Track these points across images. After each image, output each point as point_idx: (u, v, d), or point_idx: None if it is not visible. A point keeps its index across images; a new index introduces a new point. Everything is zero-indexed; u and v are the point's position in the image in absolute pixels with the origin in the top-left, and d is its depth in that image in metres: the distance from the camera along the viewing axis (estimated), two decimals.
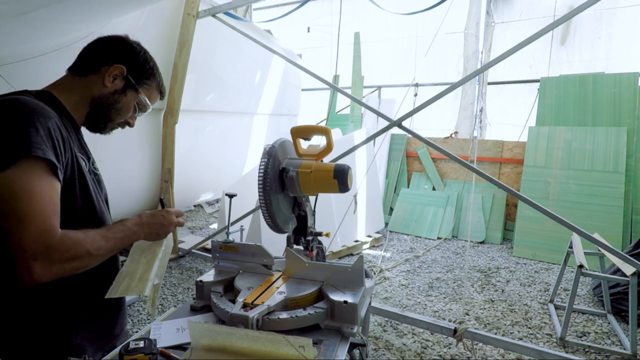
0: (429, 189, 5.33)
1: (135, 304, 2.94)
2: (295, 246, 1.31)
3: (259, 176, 1.14)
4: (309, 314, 0.99)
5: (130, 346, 0.83)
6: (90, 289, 1.04)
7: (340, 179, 1.15)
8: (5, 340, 0.95)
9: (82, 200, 1.00)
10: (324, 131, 1.25)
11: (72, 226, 0.92)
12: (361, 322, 1.04)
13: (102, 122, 1.11)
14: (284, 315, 0.98)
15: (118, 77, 1.06)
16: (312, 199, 1.35)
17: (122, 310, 1.18)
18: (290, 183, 1.19)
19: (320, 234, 1.32)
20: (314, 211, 1.36)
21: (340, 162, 1.45)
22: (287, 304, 1.03)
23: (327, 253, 1.73)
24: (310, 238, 1.29)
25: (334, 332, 0.99)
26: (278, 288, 1.10)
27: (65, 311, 0.99)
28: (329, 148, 1.24)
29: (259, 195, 1.15)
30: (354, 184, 3.07)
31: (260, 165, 1.16)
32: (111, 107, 1.08)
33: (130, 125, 1.17)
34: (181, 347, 0.95)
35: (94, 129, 1.12)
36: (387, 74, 6.67)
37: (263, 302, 1.00)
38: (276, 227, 1.22)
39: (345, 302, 1.00)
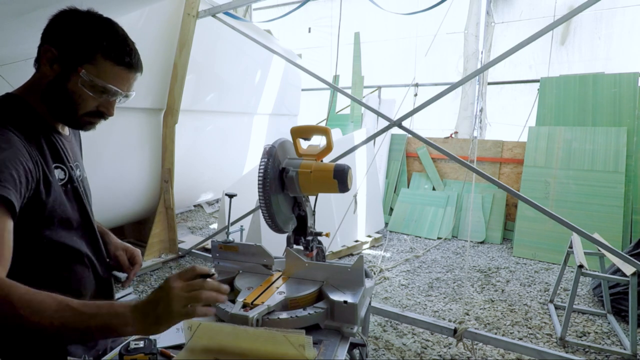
0: (429, 189, 5.33)
1: None
2: (295, 246, 1.31)
3: (258, 176, 1.15)
4: (309, 314, 0.99)
5: (130, 346, 0.83)
6: (82, 294, 1.00)
7: (340, 179, 1.15)
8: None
9: (59, 213, 0.91)
10: (324, 131, 1.25)
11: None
12: (361, 322, 1.04)
13: (66, 117, 0.94)
14: (284, 315, 0.98)
15: (53, 60, 0.89)
16: (312, 199, 1.35)
17: None
18: (290, 183, 1.19)
19: (320, 234, 1.32)
20: (314, 211, 1.36)
21: (340, 162, 1.45)
22: (287, 304, 1.03)
23: (327, 253, 1.74)
24: (310, 238, 1.29)
25: (334, 332, 1.00)
26: (278, 288, 1.10)
27: None
28: (328, 148, 1.24)
29: (259, 195, 1.15)
30: (354, 184, 3.06)
31: (260, 165, 1.16)
32: (61, 97, 0.91)
33: (108, 113, 0.97)
34: (181, 347, 0.95)
35: (67, 124, 0.98)
36: (387, 74, 6.67)
37: (263, 302, 1.00)
38: (276, 227, 1.22)
39: (345, 302, 1.00)
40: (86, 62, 0.89)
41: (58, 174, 0.92)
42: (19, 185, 0.79)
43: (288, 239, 1.32)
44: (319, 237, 1.34)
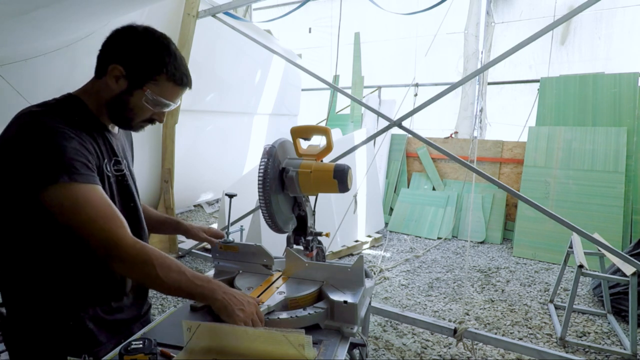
0: (429, 189, 5.33)
1: None
2: (295, 246, 1.31)
3: (258, 176, 1.15)
4: (309, 314, 0.99)
5: (131, 346, 0.83)
6: (102, 275, 1.04)
7: (340, 179, 1.15)
8: (20, 320, 0.99)
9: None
10: (323, 131, 1.25)
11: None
12: (361, 322, 1.04)
13: (123, 123, 1.08)
14: (283, 315, 0.98)
15: (120, 77, 1.00)
16: (312, 199, 1.35)
17: (142, 299, 1.18)
18: (290, 183, 1.19)
19: (320, 234, 1.32)
20: (314, 211, 1.36)
21: (340, 162, 1.45)
22: (287, 304, 1.04)
23: (327, 253, 1.74)
24: (310, 238, 1.29)
25: (334, 332, 0.99)
26: (278, 288, 1.10)
27: (77, 292, 1.01)
28: (328, 148, 1.24)
29: (259, 195, 1.15)
30: (354, 184, 3.05)
31: (260, 165, 1.16)
32: (123, 109, 1.03)
33: (159, 121, 1.11)
34: (181, 348, 0.95)
35: (122, 127, 1.11)
36: (387, 74, 6.67)
37: (263, 302, 1.00)
38: (276, 227, 1.22)
39: (345, 302, 1.00)
40: (151, 82, 1.01)
41: (111, 166, 1.05)
42: (91, 166, 0.94)
43: (288, 238, 1.32)
44: (320, 237, 1.34)
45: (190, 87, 1.10)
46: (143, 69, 1.00)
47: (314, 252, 1.29)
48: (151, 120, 1.10)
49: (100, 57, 1.02)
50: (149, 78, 1.01)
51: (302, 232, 1.30)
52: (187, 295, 0.95)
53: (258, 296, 1.05)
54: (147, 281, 0.92)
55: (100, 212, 0.89)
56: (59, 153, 0.87)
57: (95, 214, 0.88)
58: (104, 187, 0.98)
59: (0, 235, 0.97)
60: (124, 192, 1.10)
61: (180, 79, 1.05)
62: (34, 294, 0.98)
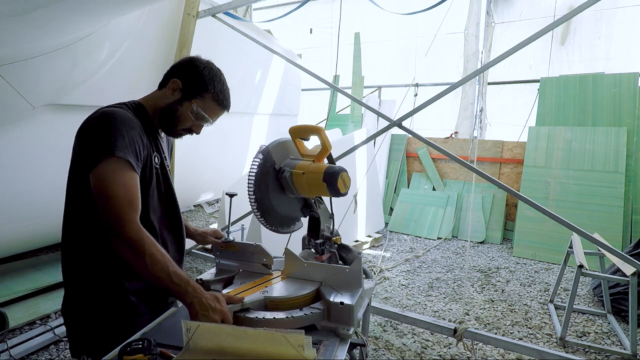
0: (429, 189, 5.33)
1: None
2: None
3: (249, 175, 1.14)
4: (305, 314, 0.99)
5: (130, 346, 0.84)
6: None
7: (329, 182, 1.09)
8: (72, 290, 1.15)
9: (156, 191, 1.20)
10: (316, 131, 1.20)
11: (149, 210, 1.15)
12: (358, 323, 1.03)
13: (168, 128, 1.27)
14: (280, 315, 0.98)
15: (176, 90, 1.22)
16: (326, 200, 1.29)
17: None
18: (286, 184, 1.18)
19: (330, 237, 1.27)
20: (332, 214, 1.31)
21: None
22: (267, 304, 1.03)
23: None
24: (319, 241, 1.25)
25: (333, 332, 0.99)
26: (266, 287, 1.11)
27: (120, 263, 1.10)
28: (324, 148, 1.18)
29: (249, 194, 1.13)
30: (353, 184, 3.04)
31: (252, 165, 1.14)
32: (171, 116, 1.23)
33: (196, 132, 1.29)
34: (181, 348, 0.95)
35: (166, 132, 1.30)
36: (387, 74, 6.67)
37: (237, 301, 1.01)
38: (271, 226, 1.21)
39: (342, 303, 1.00)
40: (198, 97, 1.22)
41: (156, 159, 1.22)
42: (139, 156, 1.10)
43: (303, 240, 1.30)
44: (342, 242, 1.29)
45: (228, 110, 1.31)
46: (195, 86, 1.22)
47: (326, 257, 1.23)
48: (190, 131, 1.28)
49: (167, 74, 1.26)
50: (198, 94, 1.22)
51: (314, 234, 1.26)
52: (165, 288, 1.02)
53: (240, 292, 1.06)
54: (134, 265, 1.00)
55: (125, 193, 1.02)
56: (122, 136, 1.05)
57: (121, 192, 1.01)
58: (149, 176, 1.15)
59: (67, 211, 1.15)
60: (166, 183, 1.27)
61: (222, 101, 1.26)
62: (89, 265, 1.13)
